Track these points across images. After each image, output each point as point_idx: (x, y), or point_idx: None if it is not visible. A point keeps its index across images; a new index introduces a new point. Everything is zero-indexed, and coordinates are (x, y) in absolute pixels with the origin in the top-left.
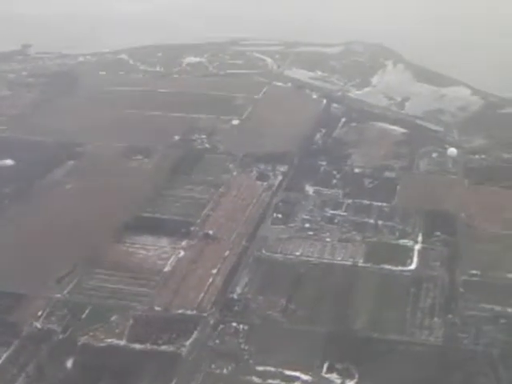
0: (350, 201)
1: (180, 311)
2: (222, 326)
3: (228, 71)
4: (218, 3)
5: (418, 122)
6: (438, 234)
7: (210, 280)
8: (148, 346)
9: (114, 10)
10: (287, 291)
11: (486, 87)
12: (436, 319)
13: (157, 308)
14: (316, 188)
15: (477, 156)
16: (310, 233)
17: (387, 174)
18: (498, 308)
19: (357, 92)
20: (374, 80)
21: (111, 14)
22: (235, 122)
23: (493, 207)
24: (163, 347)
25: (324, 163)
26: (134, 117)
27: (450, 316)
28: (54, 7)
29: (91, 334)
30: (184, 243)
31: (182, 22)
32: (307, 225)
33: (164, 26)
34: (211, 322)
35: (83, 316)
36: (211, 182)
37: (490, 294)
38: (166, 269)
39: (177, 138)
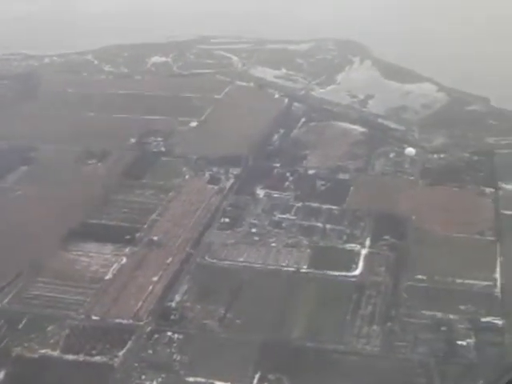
0: (299, 204)
1: (117, 320)
2: (156, 336)
3: (192, 71)
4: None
5: (380, 120)
6: (387, 237)
7: (150, 288)
8: (81, 357)
9: (84, 8)
10: (227, 299)
11: (454, 83)
12: (375, 327)
13: (94, 317)
14: (267, 191)
15: (435, 155)
16: (256, 238)
17: (341, 175)
18: (439, 315)
19: (320, 90)
20: (339, 77)
21: (82, 12)
22: (193, 123)
23: (446, 209)
24: (96, 358)
25: (278, 165)
26: (92, 120)
27: (389, 324)
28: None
29: (26, 344)
30: (127, 250)
31: (153, 21)
32: (254, 230)
33: (134, 25)
34: (146, 331)
35: (20, 326)
36: (162, 187)
37: (434, 300)
38: (107, 277)
39: (133, 140)
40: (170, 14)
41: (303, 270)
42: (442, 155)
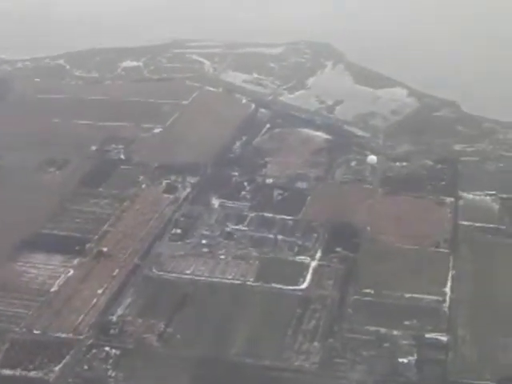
0: (253, 214)
1: (57, 334)
2: (94, 351)
3: (162, 76)
4: (165, 4)
5: (345, 127)
6: (339, 249)
7: (94, 301)
8: (18, 372)
9: (58, 10)
10: (169, 313)
11: (426, 87)
12: (316, 343)
13: (35, 331)
14: (222, 201)
15: (398, 163)
16: (206, 249)
17: (299, 184)
18: (383, 331)
19: (289, 95)
20: (310, 82)
21: (59, 15)
22: (157, 130)
23: (402, 219)
24: (33, 373)
25: (236, 174)
26: (57, 126)
27: (330, 340)
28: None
29: None
30: (76, 262)
31: (129, 24)
32: (204, 241)
33: (109, 28)
34: (85, 346)
35: None
36: (117, 196)
37: (379, 314)
38: (53, 289)
39: (94, 148)
40: (152, 16)
41: (249, 283)
42: (404, 163)
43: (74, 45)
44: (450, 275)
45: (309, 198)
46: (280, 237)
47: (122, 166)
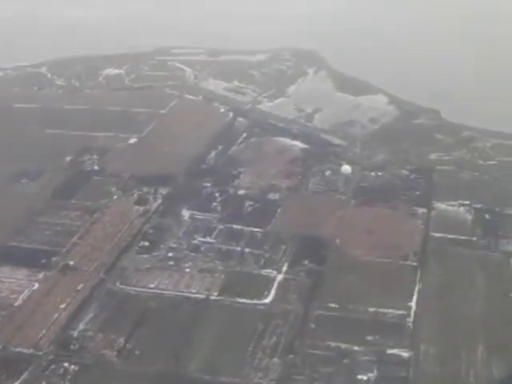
0: (222, 226)
1: (18, 349)
2: (53, 367)
3: (143, 84)
4: (151, 10)
5: (323, 135)
6: (306, 262)
7: (56, 316)
8: None
9: (43, 17)
10: (130, 328)
11: (408, 94)
12: (276, 359)
13: None
14: (192, 212)
15: (372, 173)
16: (171, 263)
17: (271, 195)
18: (345, 346)
19: (268, 104)
20: (290, 90)
21: (42, 22)
22: (132, 140)
23: (373, 231)
24: None
25: (209, 185)
26: (34, 136)
27: (291, 356)
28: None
29: None
30: (41, 275)
31: (114, 31)
32: (171, 254)
33: (95, 35)
34: (44, 361)
35: None
36: (88, 208)
37: (342, 330)
38: (17, 303)
39: (69, 158)
40: (138, 23)
41: (213, 298)
42: (379, 173)
43: (58, 52)
44: (416, 289)
45: (280, 209)
46: (247, 249)
47: (95, 177)
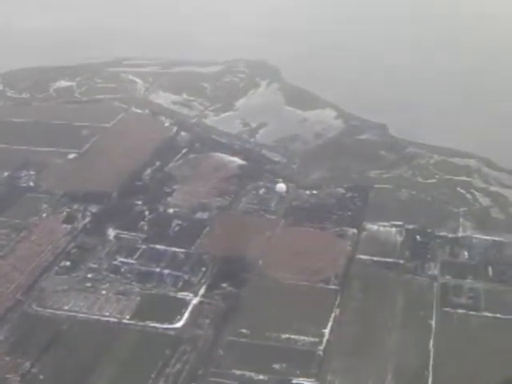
0: (145, 246)
1: None
2: None
3: (93, 96)
4: (110, 21)
5: (264, 151)
6: (225, 285)
7: None
8: None
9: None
10: (38, 352)
11: (358, 108)
12: None
13: None
14: (118, 231)
15: (307, 192)
16: (89, 284)
17: (200, 214)
18: (250, 375)
19: (214, 118)
20: (239, 103)
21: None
22: (72, 155)
23: (298, 253)
24: None
25: (140, 203)
26: None
27: None
28: None
29: None
30: None
31: (73, 42)
32: (90, 275)
33: (52, 46)
34: None
35: None
36: (16, 226)
37: (251, 357)
38: None
39: (6, 174)
40: (96, 33)
41: (125, 321)
42: (314, 191)
43: (15, 63)
44: (333, 315)
45: (206, 229)
46: (167, 271)
47: (28, 194)
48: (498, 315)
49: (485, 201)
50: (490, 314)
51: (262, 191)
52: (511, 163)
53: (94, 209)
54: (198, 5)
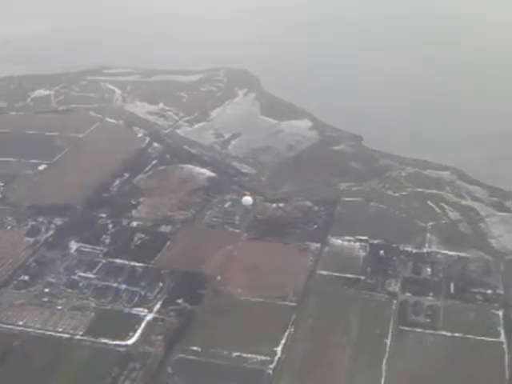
0: (105, 261)
1: None
2: None
3: (70, 106)
4: (92, 29)
5: (234, 163)
6: (180, 301)
7: None
8: None
9: None
10: None
11: (334, 119)
12: None
13: None
14: (81, 245)
15: (274, 205)
16: (46, 299)
17: (163, 228)
18: None
19: (188, 128)
20: (214, 113)
21: None
22: (42, 166)
23: (258, 268)
24: None
25: (104, 215)
26: None
27: None
28: None
29: None
30: None
31: (53, 49)
32: (47, 289)
33: (32, 54)
34: None
35: None
36: None
37: (199, 376)
38: None
39: None
40: (77, 41)
41: (77, 337)
42: (281, 204)
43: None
44: (287, 332)
45: (168, 243)
46: (124, 286)
47: None
48: (456, 334)
49: (454, 215)
50: (447, 333)
51: (227, 204)
52: (485, 176)
53: (58, 221)
54: (187, 13)
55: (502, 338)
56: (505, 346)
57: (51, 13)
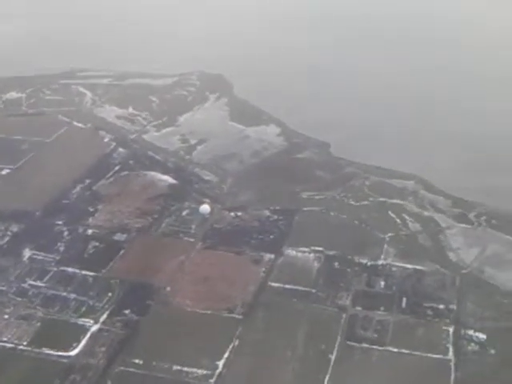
0: (56, 269)
1: None
2: None
3: (40, 109)
4: (69, 30)
5: (196, 170)
6: (127, 312)
7: None
8: None
9: None
10: None
11: (303, 125)
12: None
13: None
14: (34, 252)
15: (232, 214)
16: None
17: (118, 236)
18: None
19: (155, 133)
20: (182, 118)
21: None
22: (5, 171)
23: (209, 278)
24: None
25: (61, 222)
26: None
27: None
28: None
29: None
30: None
31: (27, 51)
32: None
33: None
34: None
35: None
36: None
37: None
38: None
39: None
40: (54, 43)
41: (21, 347)
42: (238, 213)
43: None
44: (231, 346)
45: (121, 252)
46: (73, 295)
47: None
48: (403, 350)
49: (414, 226)
50: (394, 349)
51: (185, 212)
52: (451, 186)
53: (15, 228)
54: (168, 18)
55: (451, 355)
56: (452, 363)
57: (26, 14)
